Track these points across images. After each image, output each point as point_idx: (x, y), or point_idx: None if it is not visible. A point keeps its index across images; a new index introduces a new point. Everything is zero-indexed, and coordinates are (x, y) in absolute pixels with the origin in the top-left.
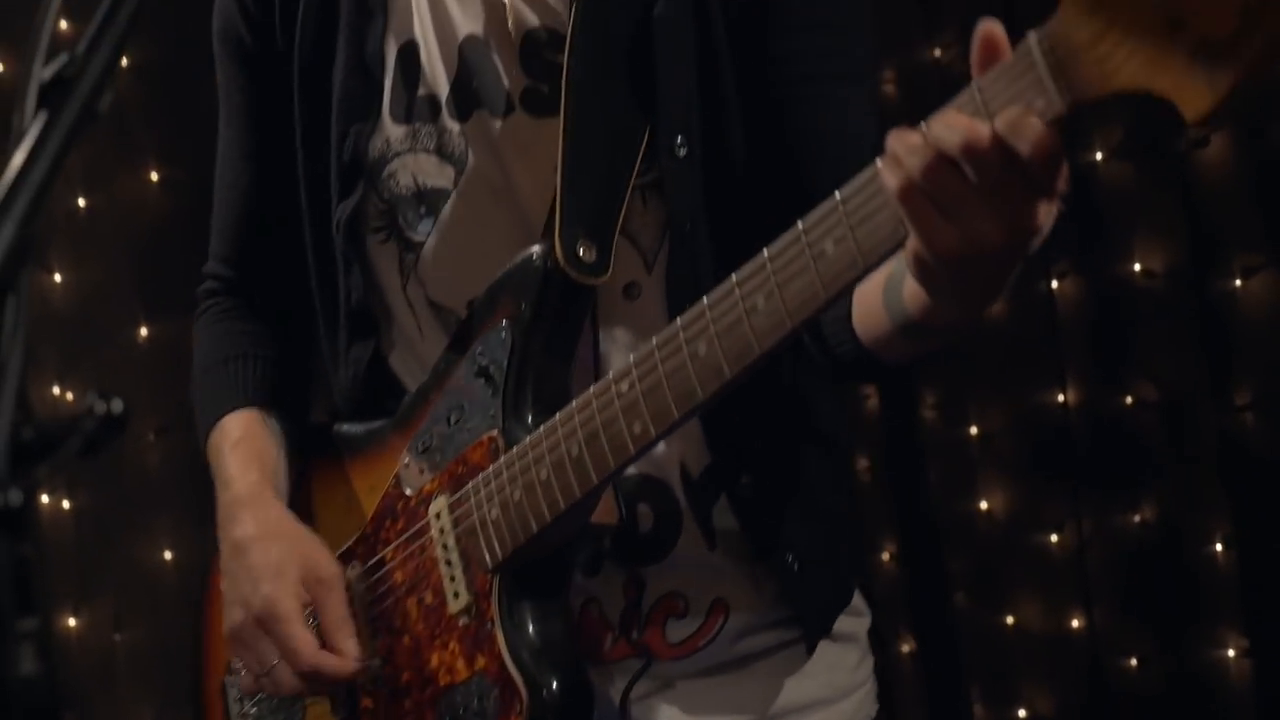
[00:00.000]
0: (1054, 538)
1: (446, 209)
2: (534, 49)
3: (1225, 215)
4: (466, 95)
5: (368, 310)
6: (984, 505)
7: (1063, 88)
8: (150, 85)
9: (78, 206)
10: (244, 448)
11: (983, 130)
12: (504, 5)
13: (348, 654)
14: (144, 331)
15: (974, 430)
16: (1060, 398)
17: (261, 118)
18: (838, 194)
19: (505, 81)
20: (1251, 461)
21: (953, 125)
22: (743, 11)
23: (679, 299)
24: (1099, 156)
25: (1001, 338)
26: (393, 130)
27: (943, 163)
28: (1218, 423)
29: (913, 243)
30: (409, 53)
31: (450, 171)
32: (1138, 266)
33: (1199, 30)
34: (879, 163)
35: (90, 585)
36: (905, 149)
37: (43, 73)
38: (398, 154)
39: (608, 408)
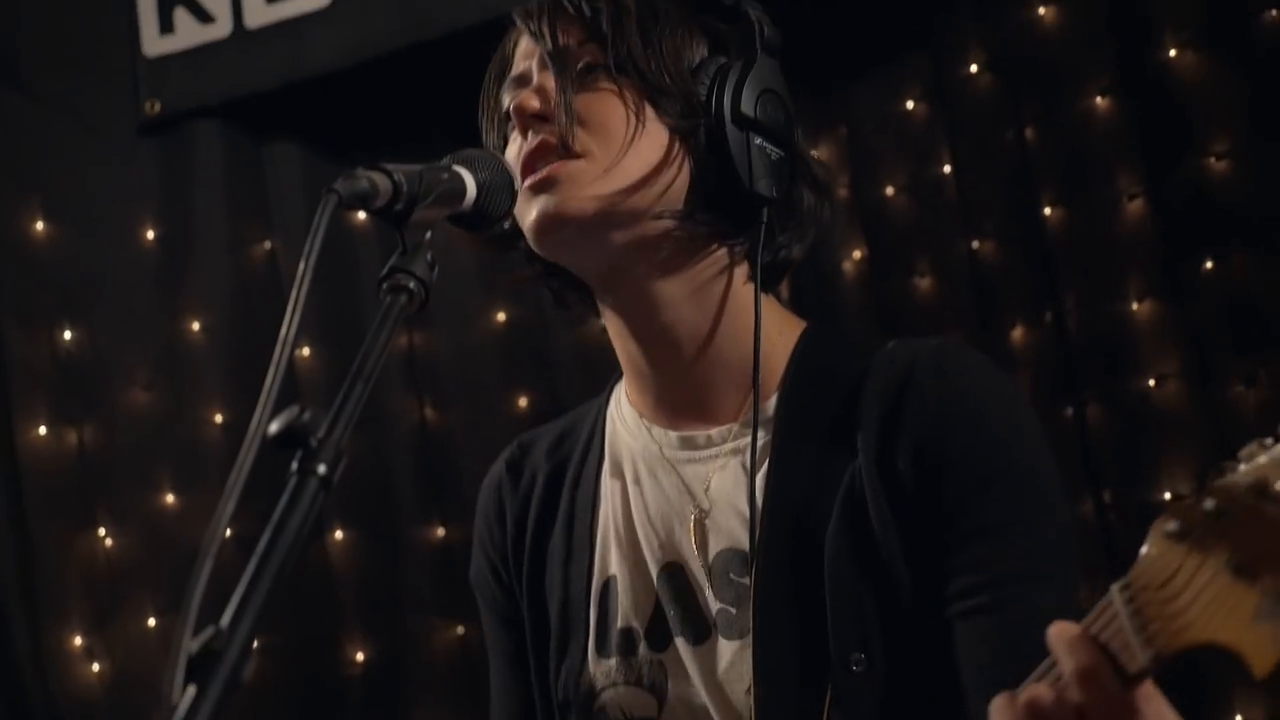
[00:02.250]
0: None
1: None
2: (722, 571)
3: None
4: (662, 627)
5: None
6: None
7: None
8: None
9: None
10: None
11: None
12: (694, 536)
13: None
14: None
15: None
16: None
17: (515, 656)
18: None
19: (698, 609)
20: None
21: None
22: (912, 530)
23: None
24: None
25: None
26: (597, 665)
27: None
28: None
29: None
30: (608, 588)
31: (653, 701)
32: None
33: (1268, 583)
34: None
35: None
36: None
37: (191, 645)
38: (604, 688)
39: None
